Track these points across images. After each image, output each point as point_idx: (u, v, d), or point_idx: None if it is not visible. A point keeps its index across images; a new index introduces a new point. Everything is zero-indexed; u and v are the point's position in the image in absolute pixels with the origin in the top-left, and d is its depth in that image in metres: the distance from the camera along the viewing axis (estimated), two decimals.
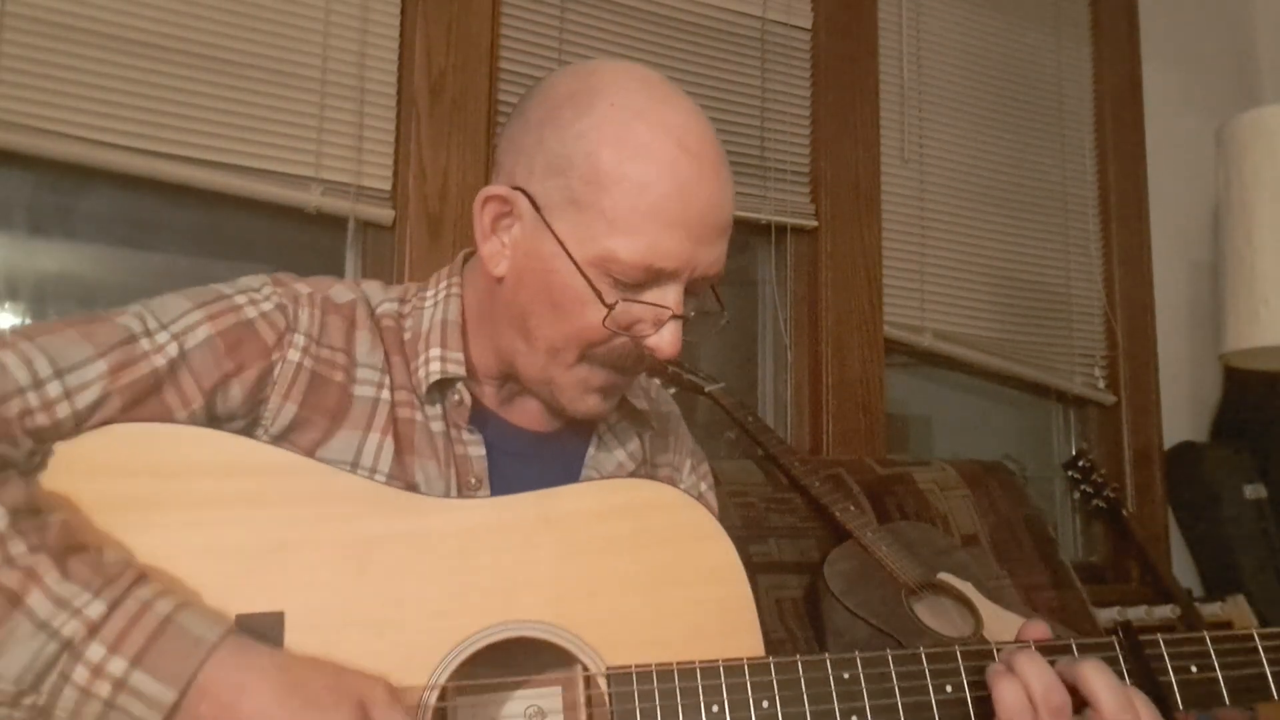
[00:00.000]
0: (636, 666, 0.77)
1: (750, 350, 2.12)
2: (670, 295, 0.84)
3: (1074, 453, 2.34)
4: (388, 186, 1.67)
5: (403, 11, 1.70)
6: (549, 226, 0.83)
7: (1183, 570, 2.36)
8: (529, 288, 0.85)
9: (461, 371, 0.89)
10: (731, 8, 2.01)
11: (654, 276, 0.83)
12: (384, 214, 1.66)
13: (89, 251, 1.58)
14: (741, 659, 0.78)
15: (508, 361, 0.90)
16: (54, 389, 0.75)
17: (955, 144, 2.28)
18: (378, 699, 0.69)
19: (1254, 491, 2.38)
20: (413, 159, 1.66)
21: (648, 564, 0.82)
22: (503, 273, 0.87)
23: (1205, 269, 2.53)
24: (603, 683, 0.77)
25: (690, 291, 0.87)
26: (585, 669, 0.78)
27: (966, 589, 1.40)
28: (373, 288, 0.95)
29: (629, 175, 0.81)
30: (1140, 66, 2.52)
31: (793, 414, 2.05)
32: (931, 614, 1.37)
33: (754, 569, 1.45)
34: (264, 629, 0.73)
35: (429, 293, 0.94)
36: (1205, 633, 0.84)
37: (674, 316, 0.84)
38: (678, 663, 0.77)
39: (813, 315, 2.06)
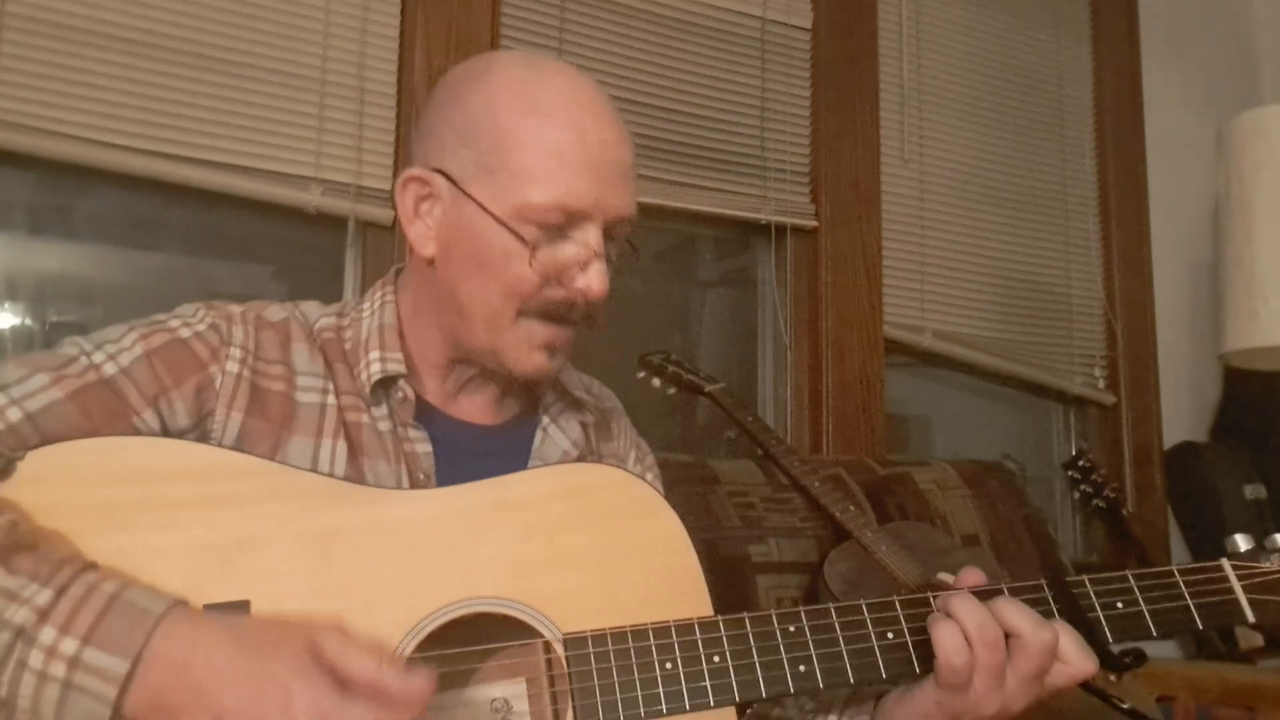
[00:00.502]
0: (592, 631, 0.80)
1: (750, 350, 2.13)
2: (590, 237, 0.88)
3: (1074, 453, 2.34)
4: (388, 186, 1.67)
5: (403, 11, 1.70)
6: (466, 194, 0.88)
7: None
8: (457, 258, 0.90)
9: (402, 369, 0.93)
10: (731, 8, 2.01)
11: (569, 218, 0.87)
12: (384, 214, 1.66)
13: (89, 251, 1.58)
14: (692, 619, 0.82)
15: (452, 344, 0.94)
16: None
17: (955, 144, 2.28)
18: (328, 639, 0.70)
19: (1254, 491, 2.38)
20: None
21: (599, 540, 0.85)
22: (431, 253, 0.92)
23: (1205, 269, 2.53)
24: (559, 648, 0.80)
25: (609, 236, 0.91)
26: (543, 638, 0.81)
27: None
28: (310, 306, 0.98)
29: (529, 128, 0.87)
30: (1140, 66, 2.52)
31: (793, 414, 2.05)
32: None
33: (754, 569, 1.46)
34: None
35: (365, 305, 0.98)
36: (1128, 571, 0.88)
37: (596, 256, 0.88)
38: (631, 626, 0.80)
39: (813, 315, 2.06)
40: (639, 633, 0.80)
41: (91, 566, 0.71)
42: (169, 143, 1.52)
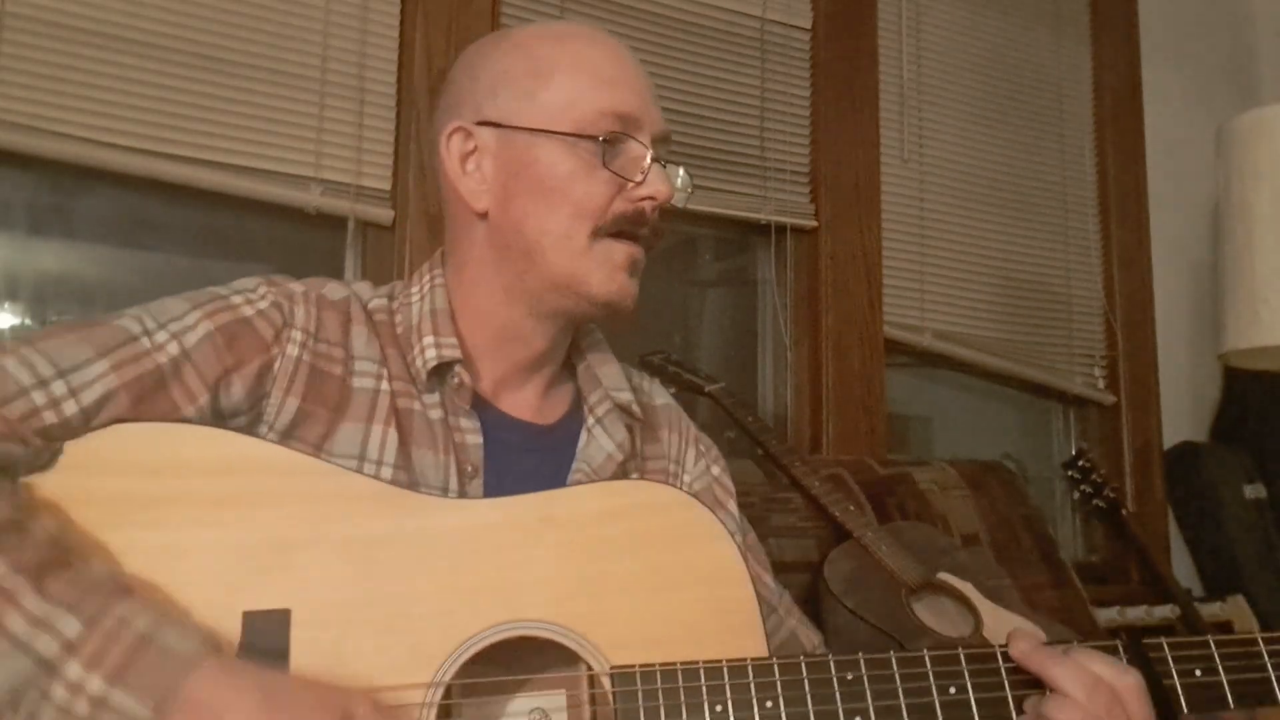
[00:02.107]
0: (640, 666, 0.77)
1: (750, 350, 2.12)
2: (645, 142, 0.91)
3: (1074, 453, 2.34)
4: (387, 186, 1.67)
5: (403, 11, 1.70)
6: (518, 128, 0.89)
7: (1182, 570, 2.36)
8: (519, 195, 0.90)
9: (458, 354, 0.91)
10: (731, 8, 2.01)
11: (622, 124, 0.90)
12: (384, 214, 1.66)
13: (89, 251, 1.58)
14: (745, 659, 0.78)
15: (516, 300, 0.92)
16: (59, 388, 0.76)
17: (955, 144, 2.28)
18: (362, 707, 0.69)
19: (1254, 491, 2.38)
20: (412, 159, 1.66)
21: (650, 564, 0.82)
22: (485, 205, 0.92)
23: (1205, 269, 2.53)
24: (606, 682, 0.77)
25: (655, 159, 0.92)
26: (589, 668, 0.79)
27: (966, 589, 1.41)
28: (362, 287, 0.97)
29: (566, 52, 0.91)
30: (1140, 66, 2.52)
31: (793, 414, 2.05)
32: (931, 614, 1.37)
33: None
34: (270, 626, 0.74)
35: (414, 289, 0.96)
36: (1209, 636, 0.84)
37: (655, 160, 0.91)
38: (681, 663, 0.77)
39: (813, 315, 2.06)
40: (689, 671, 0.77)
41: (125, 592, 0.69)
42: (169, 143, 1.51)
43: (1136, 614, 2.14)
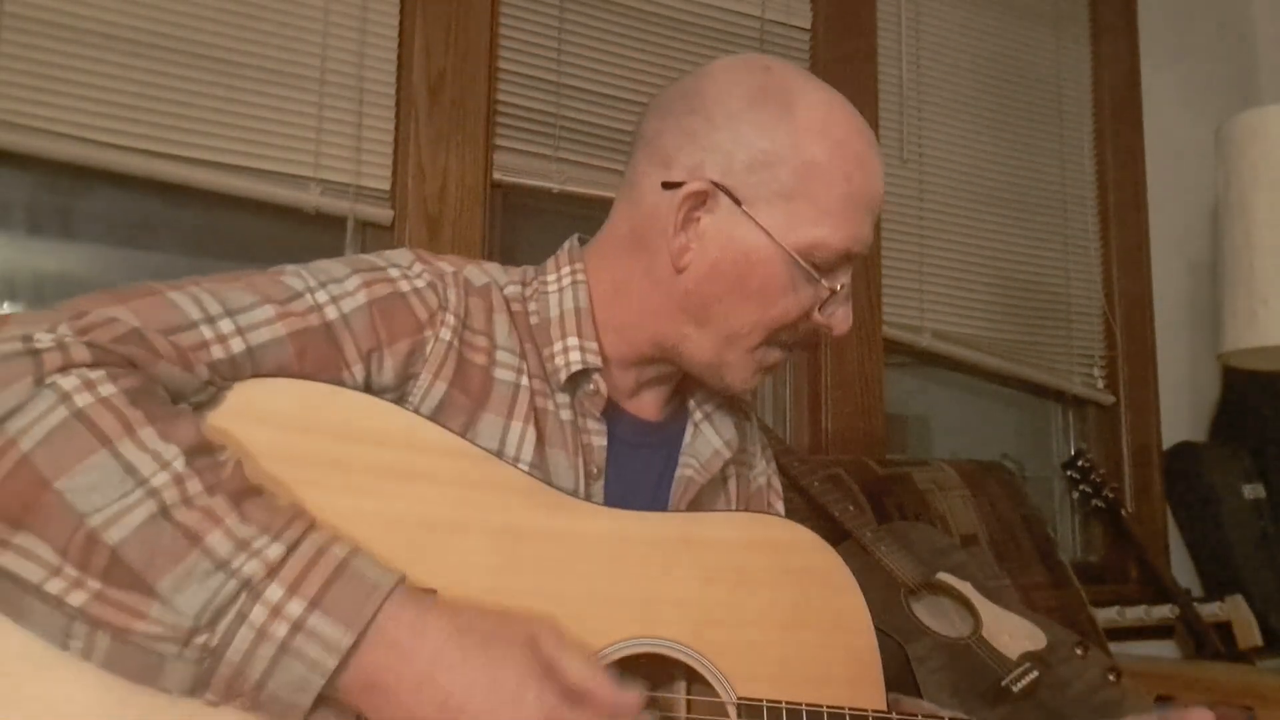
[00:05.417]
0: (768, 701, 0.78)
1: None
2: (847, 276, 0.90)
3: (1073, 452, 2.34)
4: (386, 186, 1.67)
5: (402, 11, 1.70)
6: (753, 219, 0.86)
7: (1181, 570, 2.37)
8: (722, 278, 0.87)
9: (599, 363, 0.90)
10: (731, 8, 2.01)
11: (847, 261, 0.88)
12: (383, 214, 1.66)
13: (88, 251, 1.58)
14: (866, 710, 0.79)
15: (664, 347, 0.91)
16: (226, 325, 0.76)
17: (955, 144, 2.28)
18: (547, 637, 0.70)
19: (1253, 491, 2.38)
20: (411, 159, 1.66)
21: (782, 602, 0.83)
22: (686, 264, 0.88)
23: (1204, 269, 2.53)
24: (733, 711, 0.78)
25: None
26: (716, 696, 0.79)
27: (965, 589, 1.41)
28: (496, 271, 0.94)
29: (836, 167, 0.86)
30: (1140, 66, 2.52)
31: (792, 414, 2.05)
32: (930, 614, 1.37)
33: None
34: None
35: (550, 277, 0.94)
36: None
37: (849, 296, 0.90)
38: (806, 704, 0.78)
39: None
40: (814, 713, 0.78)
41: (317, 525, 0.69)
42: (168, 143, 1.52)
43: (1135, 614, 2.14)
